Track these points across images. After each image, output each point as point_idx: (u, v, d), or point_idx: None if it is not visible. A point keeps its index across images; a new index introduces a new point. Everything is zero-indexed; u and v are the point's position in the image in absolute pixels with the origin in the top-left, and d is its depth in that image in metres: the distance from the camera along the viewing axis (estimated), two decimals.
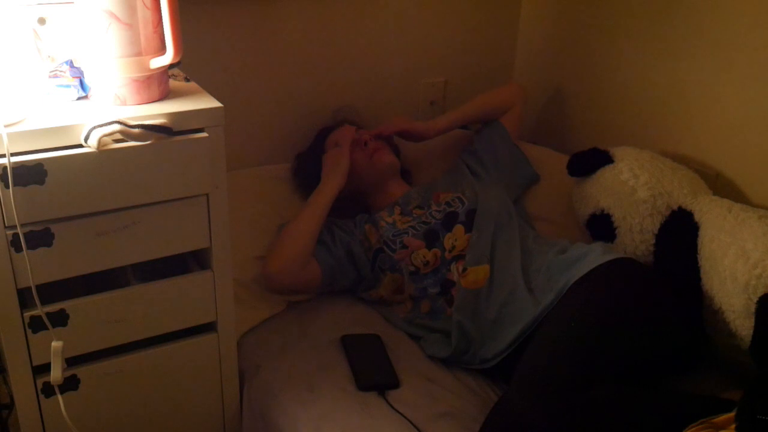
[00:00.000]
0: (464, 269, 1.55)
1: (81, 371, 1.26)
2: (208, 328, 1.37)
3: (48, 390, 1.24)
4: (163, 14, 1.15)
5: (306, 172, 1.86)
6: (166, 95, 1.25)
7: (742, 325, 1.37)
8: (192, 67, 1.43)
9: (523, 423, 1.23)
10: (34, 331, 1.19)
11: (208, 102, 1.24)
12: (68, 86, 1.21)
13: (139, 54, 1.18)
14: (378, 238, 1.67)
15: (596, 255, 1.46)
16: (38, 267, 1.14)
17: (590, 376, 1.28)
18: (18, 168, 1.07)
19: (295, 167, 1.90)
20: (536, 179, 1.88)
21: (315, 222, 1.64)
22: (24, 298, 1.17)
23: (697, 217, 1.51)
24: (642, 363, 1.37)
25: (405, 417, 1.33)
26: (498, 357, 1.44)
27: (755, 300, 1.34)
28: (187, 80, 1.35)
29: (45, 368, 1.20)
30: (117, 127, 1.11)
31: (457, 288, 1.55)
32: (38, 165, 1.09)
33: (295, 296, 1.69)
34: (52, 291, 1.19)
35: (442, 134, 1.88)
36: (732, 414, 1.15)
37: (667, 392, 1.35)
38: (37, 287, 1.14)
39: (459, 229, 1.62)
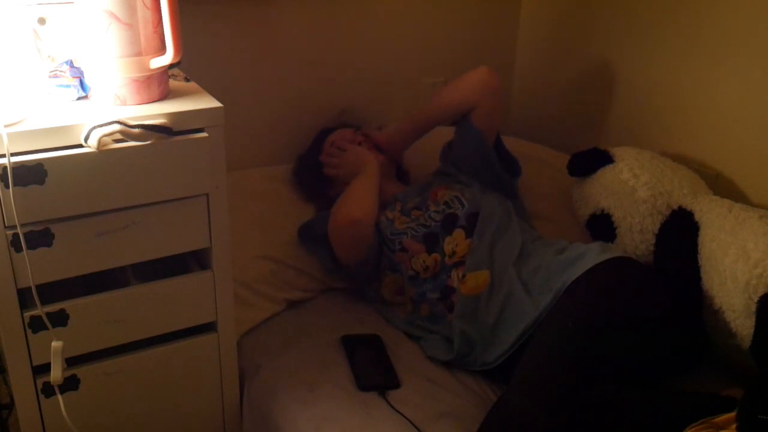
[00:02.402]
0: (463, 275, 1.54)
1: (81, 371, 1.26)
2: (208, 328, 1.37)
3: (48, 390, 1.24)
4: (163, 14, 1.15)
5: (307, 173, 1.86)
6: (166, 95, 1.25)
7: (743, 325, 1.37)
8: (192, 67, 1.43)
9: (523, 423, 1.23)
10: (34, 331, 1.19)
11: (208, 102, 1.24)
12: (68, 86, 1.21)
13: (139, 54, 1.18)
14: (377, 234, 1.67)
15: (594, 254, 1.45)
16: (38, 267, 1.14)
17: (590, 376, 1.28)
18: (18, 168, 1.07)
19: (296, 168, 1.90)
20: (518, 172, 1.77)
21: (374, 187, 1.66)
22: (24, 298, 1.17)
23: (697, 216, 1.51)
24: (641, 363, 1.37)
25: (405, 417, 1.33)
26: (499, 359, 1.44)
27: (755, 300, 1.34)
28: (187, 80, 1.35)
29: (45, 368, 1.20)
30: (117, 127, 1.11)
31: (457, 295, 1.54)
32: (38, 165, 1.08)
33: (295, 295, 1.69)
34: (52, 291, 1.19)
35: (404, 149, 1.82)
36: (732, 414, 1.15)
37: (667, 392, 1.35)
38: (37, 287, 1.14)
39: (459, 233, 1.61)
